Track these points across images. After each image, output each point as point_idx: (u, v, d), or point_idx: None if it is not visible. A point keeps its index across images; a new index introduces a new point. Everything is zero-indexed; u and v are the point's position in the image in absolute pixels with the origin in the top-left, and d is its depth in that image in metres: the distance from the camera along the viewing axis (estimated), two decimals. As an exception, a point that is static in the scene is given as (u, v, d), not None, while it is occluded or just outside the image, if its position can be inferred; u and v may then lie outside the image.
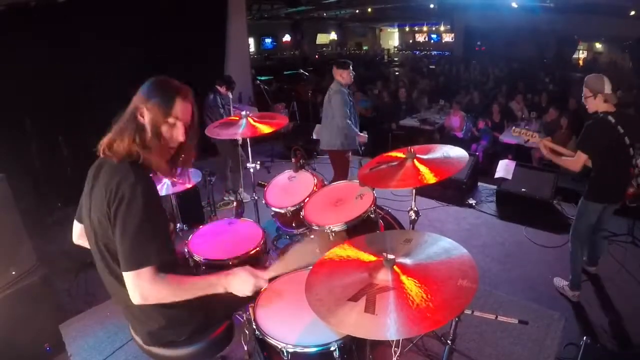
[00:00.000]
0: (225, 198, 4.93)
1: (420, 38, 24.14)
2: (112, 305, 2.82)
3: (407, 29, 24.47)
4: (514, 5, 11.33)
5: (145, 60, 4.98)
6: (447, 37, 21.41)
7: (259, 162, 3.18)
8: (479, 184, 5.25)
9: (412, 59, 19.70)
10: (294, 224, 2.56)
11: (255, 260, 2.08)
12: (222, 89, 4.75)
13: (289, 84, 10.84)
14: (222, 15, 6.89)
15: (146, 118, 1.43)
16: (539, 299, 3.08)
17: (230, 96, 4.77)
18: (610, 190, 2.82)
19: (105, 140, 1.45)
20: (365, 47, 24.29)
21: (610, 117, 2.63)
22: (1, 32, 4.19)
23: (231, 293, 1.47)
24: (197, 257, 2.09)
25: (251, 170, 3.13)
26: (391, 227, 2.72)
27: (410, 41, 24.70)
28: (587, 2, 10.41)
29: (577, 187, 4.40)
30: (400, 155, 2.22)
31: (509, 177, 4.53)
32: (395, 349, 1.67)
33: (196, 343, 1.58)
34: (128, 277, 1.33)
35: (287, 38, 20.54)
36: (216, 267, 1.99)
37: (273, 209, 2.61)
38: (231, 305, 1.74)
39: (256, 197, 3.20)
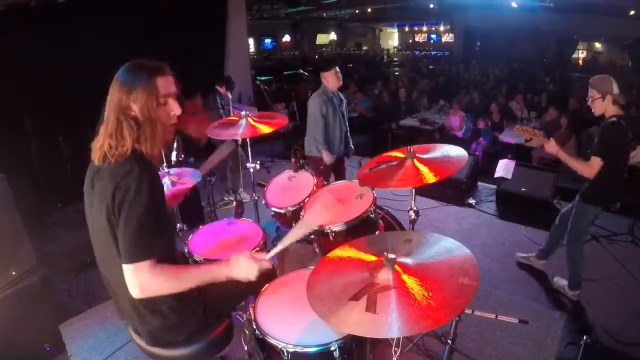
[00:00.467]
0: (225, 198, 4.93)
1: (420, 38, 24.16)
2: (112, 305, 2.81)
3: (406, 29, 24.48)
4: (514, 5, 11.34)
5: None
6: (447, 37, 21.42)
7: (258, 162, 3.17)
8: (479, 183, 5.25)
9: (412, 59, 19.72)
10: (294, 224, 2.55)
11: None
12: (222, 89, 4.75)
13: (289, 84, 10.85)
14: (222, 15, 6.89)
15: (136, 110, 1.38)
16: (539, 299, 3.08)
17: (230, 96, 4.76)
18: (611, 193, 2.81)
19: (98, 146, 1.39)
20: (365, 47, 24.30)
21: (622, 122, 2.57)
22: (1, 32, 4.19)
23: (228, 290, 1.46)
24: (197, 257, 2.09)
25: (251, 170, 3.13)
26: (391, 227, 2.72)
27: (410, 41, 24.72)
28: (587, 2, 10.42)
29: (577, 186, 4.41)
30: (400, 155, 2.22)
31: (509, 176, 4.53)
32: (396, 348, 1.67)
33: (196, 343, 1.58)
34: (127, 269, 1.31)
35: (287, 38, 20.55)
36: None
37: (273, 209, 2.61)
38: (229, 303, 1.74)
39: (256, 197, 3.20)
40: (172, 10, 5.74)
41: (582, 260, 3.02)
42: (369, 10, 17.18)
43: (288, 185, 2.82)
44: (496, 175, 4.62)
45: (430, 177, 2.00)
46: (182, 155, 3.39)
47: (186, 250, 2.17)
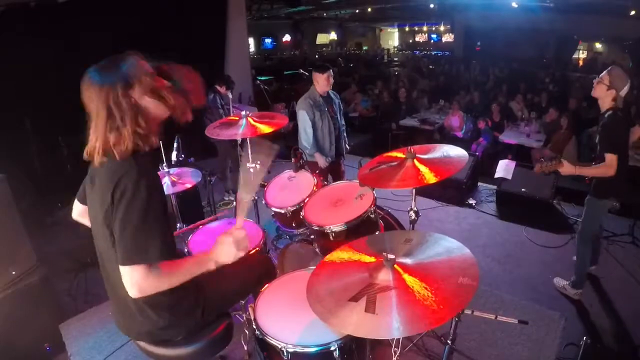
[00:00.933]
0: (225, 198, 4.93)
1: (420, 38, 24.15)
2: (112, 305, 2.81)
3: (407, 29, 24.47)
4: (514, 5, 11.34)
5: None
6: (447, 37, 21.41)
7: (258, 162, 3.17)
8: (479, 184, 5.25)
9: (412, 59, 19.70)
10: (294, 224, 2.56)
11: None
12: (222, 89, 4.75)
13: (289, 83, 10.85)
14: (222, 15, 6.89)
15: (139, 93, 1.38)
16: (539, 299, 3.07)
17: (230, 96, 4.76)
18: (616, 184, 2.81)
19: (91, 146, 1.38)
20: (365, 47, 24.28)
21: (618, 113, 2.63)
22: (1, 32, 4.19)
23: (227, 289, 1.46)
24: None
25: (251, 170, 3.13)
26: (391, 227, 2.71)
27: (410, 41, 24.71)
28: (587, 2, 10.40)
29: (577, 187, 4.42)
30: (400, 155, 2.22)
31: (509, 177, 4.53)
32: (395, 349, 1.67)
33: (195, 342, 1.58)
34: (124, 271, 1.31)
35: (287, 38, 20.55)
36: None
37: (273, 209, 2.61)
38: (228, 302, 1.74)
39: (256, 197, 3.20)
40: (172, 10, 5.74)
41: (588, 263, 3.04)
42: (369, 10, 17.14)
43: (288, 186, 2.82)
44: (496, 175, 4.61)
45: (430, 178, 2.00)
46: (182, 155, 3.40)
47: (186, 250, 2.17)
